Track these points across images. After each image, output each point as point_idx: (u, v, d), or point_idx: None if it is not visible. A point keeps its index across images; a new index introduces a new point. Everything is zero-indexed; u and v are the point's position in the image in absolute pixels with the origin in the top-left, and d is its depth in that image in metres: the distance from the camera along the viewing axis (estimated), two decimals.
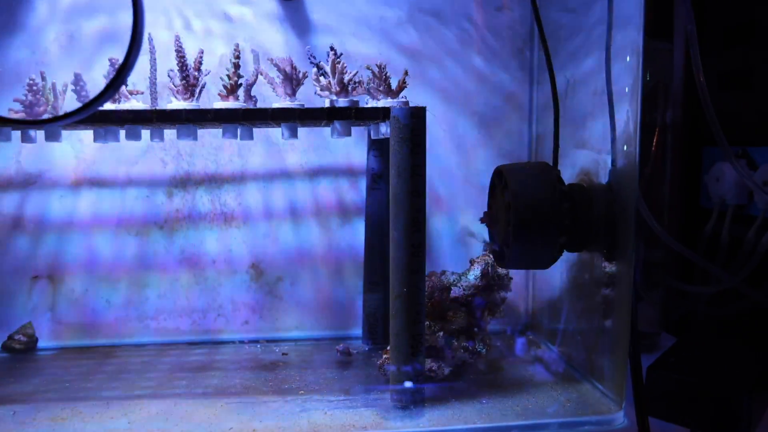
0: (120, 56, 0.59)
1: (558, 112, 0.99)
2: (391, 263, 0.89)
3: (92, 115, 0.81)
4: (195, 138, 0.93)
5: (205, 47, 0.94)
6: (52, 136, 0.84)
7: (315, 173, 1.17)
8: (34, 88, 0.88)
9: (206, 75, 0.92)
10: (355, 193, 1.18)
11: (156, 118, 0.84)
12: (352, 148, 1.17)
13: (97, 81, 0.96)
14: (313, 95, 0.95)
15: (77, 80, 0.91)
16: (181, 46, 0.89)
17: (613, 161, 0.95)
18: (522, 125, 1.20)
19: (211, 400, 0.89)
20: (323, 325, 1.19)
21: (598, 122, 0.99)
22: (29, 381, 0.97)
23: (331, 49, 1.02)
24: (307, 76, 0.95)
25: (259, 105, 0.94)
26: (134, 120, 0.84)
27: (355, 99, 0.87)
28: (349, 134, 0.89)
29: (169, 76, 0.92)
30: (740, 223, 1.17)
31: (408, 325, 0.88)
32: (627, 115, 0.89)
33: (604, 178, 0.95)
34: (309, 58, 1.00)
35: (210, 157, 1.15)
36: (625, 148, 0.90)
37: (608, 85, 0.95)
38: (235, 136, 0.91)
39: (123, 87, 0.88)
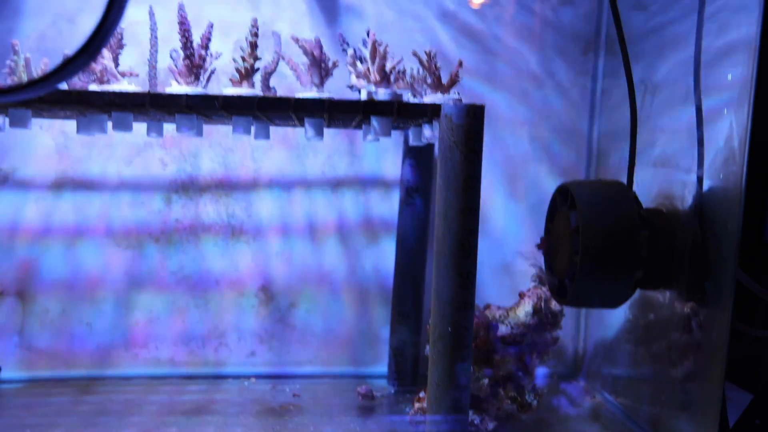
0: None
1: (635, 124, 0.82)
2: (434, 295, 0.71)
3: (69, 97, 0.66)
4: (199, 133, 0.77)
5: (216, 30, 0.78)
6: (18, 122, 0.67)
7: (339, 183, 1.00)
8: (11, 65, 0.72)
9: (216, 59, 0.76)
10: (386, 207, 1.01)
11: (150, 104, 0.67)
12: (384, 155, 1.00)
13: None
14: (343, 89, 0.79)
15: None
16: (185, 17, 0.73)
17: (700, 182, 0.78)
18: (581, 137, 1.03)
19: None
20: (342, 360, 1.02)
21: (683, 135, 0.82)
22: None
23: (368, 34, 0.86)
24: (337, 65, 0.79)
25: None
26: (122, 105, 0.67)
27: (398, 92, 0.70)
28: (389, 134, 0.72)
29: (171, 56, 0.76)
30: None
31: (451, 374, 0.70)
32: (731, 127, 0.72)
33: (688, 202, 0.78)
34: (341, 45, 0.84)
35: (218, 159, 0.99)
36: (725, 167, 0.73)
37: (696, 92, 0.78)
38: (248, 132, 0.75)
39: (113, 65, 0.72)
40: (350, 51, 0.72)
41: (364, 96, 0.70)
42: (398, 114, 0.70)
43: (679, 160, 0.82)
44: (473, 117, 0.68)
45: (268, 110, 0.68)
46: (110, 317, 0.98)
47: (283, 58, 0.78)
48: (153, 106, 0.67)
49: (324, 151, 0.99)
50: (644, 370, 0.89)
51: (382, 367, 1.01)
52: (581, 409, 0.93)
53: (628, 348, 0.95)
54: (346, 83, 0.79)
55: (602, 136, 1.03)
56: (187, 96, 0.67)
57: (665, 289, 0.81)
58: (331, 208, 1.01)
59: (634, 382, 0.92)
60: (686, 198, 0.79)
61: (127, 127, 0.73)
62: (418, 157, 0.94)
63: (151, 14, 0.76)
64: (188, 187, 0.99)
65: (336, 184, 1.01)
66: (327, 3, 0.99)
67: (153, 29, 0.76)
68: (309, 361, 1.01)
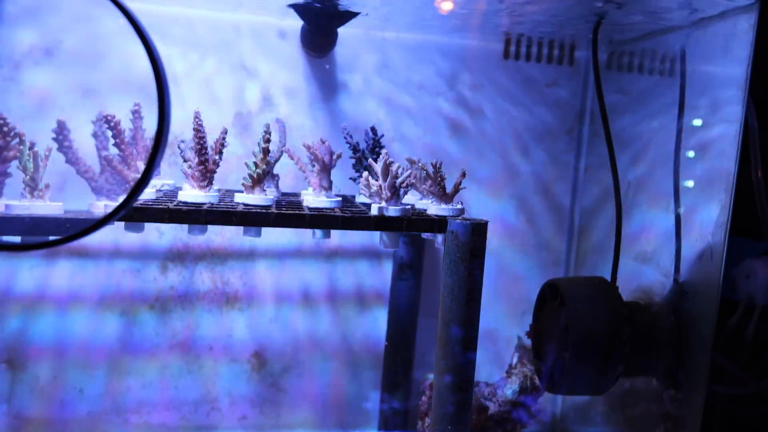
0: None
1: (620, 219, 0.89)
2: (434, 403, 0.76)
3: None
4: (205, 231, 0.78)
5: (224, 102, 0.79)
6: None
7: (332, 253, 1.04)
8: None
9: (226, 146, 0.77)
10: (377, 278, 1.05)
11: (169, 218, 0.69)
12: None
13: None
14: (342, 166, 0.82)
15: (61, 128, 0.74)
16: (200, 125, 0.74)
17: (676, 278, 0.86)
18: (564, 213, 1.10)
19: None
20: (333, 423, 1.06)
21: (660, 231, 0.90)
22: None
23: (372, 130, 0.89)
24: (341, 157, 0.82)
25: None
26: (141, 218, 0.68)
27: (406, 207, 0.74)
28: (398, 246, 0.76)
29: (179, 147, 0.77)
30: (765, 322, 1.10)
31: None
32: (710, 223, 0.80)
33: (665, 296, 0.86)
34: (345, 138, 0.87)
35: (214, 229, 1.00)
36: (702, 264, 0.81)
37: (676, 193, 0.85)
38: (259, 234, 0.77)
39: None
40: (365, 175, 0.75)
41: (374, 211, 0.73)
42: (407, 228, 0.74)
43: (658, 258, 0.90)
44: (478, 234, 0.73)
45: (284, 224, 0.71)
46: (102, 383, 0.98)
47: (288, 154, 0.80)
48: (172, 219, 0.68)
49: None
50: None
51: (372, 431, 1.06)
52: None
53: (604, 412, 1.03)
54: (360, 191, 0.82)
55: (583, 213, 1.10)
56: (206, 212, 0.69)
57: (644, 377, 0.89)
58: (324, 277, 1.04)
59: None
60: (663, 293, 0.87)
61: (140, 230, 0.74)
62: (411, 234, 0.98)
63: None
64: (184, 255, 1.00)
65: (330, 255, 1.04)
66: (326, 80, 1.01)
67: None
68: (300, 425, 1.05)
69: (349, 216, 0.72)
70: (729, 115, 0.79)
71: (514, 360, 0.98)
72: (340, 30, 0.96)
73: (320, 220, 0.71)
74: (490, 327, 1.09)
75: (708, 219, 0.81)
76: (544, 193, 1.08)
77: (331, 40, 0.95)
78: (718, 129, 0.82)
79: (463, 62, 1.04)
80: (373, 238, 1.04)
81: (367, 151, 0.87)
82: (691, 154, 0.87)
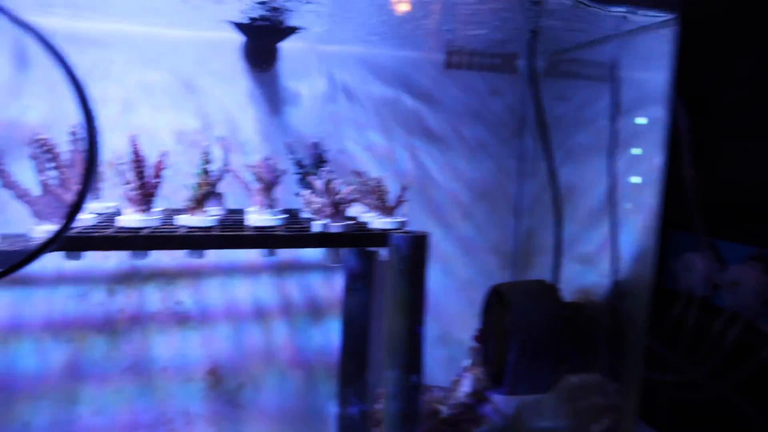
0: None
1: (561, 220, 0.92)
2: (384, 410, 0.78)
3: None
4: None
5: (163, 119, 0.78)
6: None
7: (284, 267, 1.04)
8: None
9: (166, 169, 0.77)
10: (329, 290, 1.06)
11: (107, 245, 0.68)
12: None
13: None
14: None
15: None
16: (137, 150, 0.73)
17: (614, 277, 0.89)
18: (509, 219, 1.13)
19: None
20: None
21: (599, 232, 0.93)
22: None
23: (315, 146, 0.90)
24: (285, 173, 0.82)
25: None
26: (80, 247, 0.68)
27: (349, 222, 0.75)
28: (341, 262, 0.77)
29: (118, 169, 0.76)
30: (705, 312, 1.16)
31: None
32: (643, 225, 0.84)
33: (603, 295, 0.89)
34: (289, 154, 0.88)
35: None
36: (636, 261, 0.85)
37: (611, 194, 0.89)
38: (201, 256, 0.77)
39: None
40: (307, 193, 0.76)
41: (317, 228, 0.74)
42: (349, 245, 0.75)
43: (597, 258, 0.93)
44: (418, 247, 0.75)
45: (228, 246, 0.71)
46: (50, 413, 0.96)
47: (231, 172, 0.80)
48: (110, 247, 0.68)
49: None
50: (567, 426, 1.00)
51: None
52: None
53: (555, 406, 1.06)
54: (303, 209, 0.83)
55: (530, 217, 1.13)
56: (147, 237, 0.68)
57: (586, 373, 0.92)
58: (276, 291, 1.04)
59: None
60: (602, 292, 0.91)
61: (80, 257, 0.73)
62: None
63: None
64: (131, 276, 0.98)
65: (281, 269, 1.04)
66: (271, 95, 1.01)
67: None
68: None
69: (289, 235, 0.72)
70: (658, 118, 0.82)
71: (466, 363, 1.00)
72: (284, 44, 0.97)
73: (261, 241, 0.72)
74: (443, 331, 1.11)
75: (643, 217, 0.85)
76: (491, 199, 1.11)
77: (273, 54, 0.95)
78: (649, 130, 0.86)
79: (406, 73, 1.06)
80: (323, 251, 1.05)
81: (311, 166, 0.87)
82: (629, 153, 0.90)
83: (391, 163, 1.06)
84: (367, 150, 1.06)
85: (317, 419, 1.07)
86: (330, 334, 1.05)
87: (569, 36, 0.95)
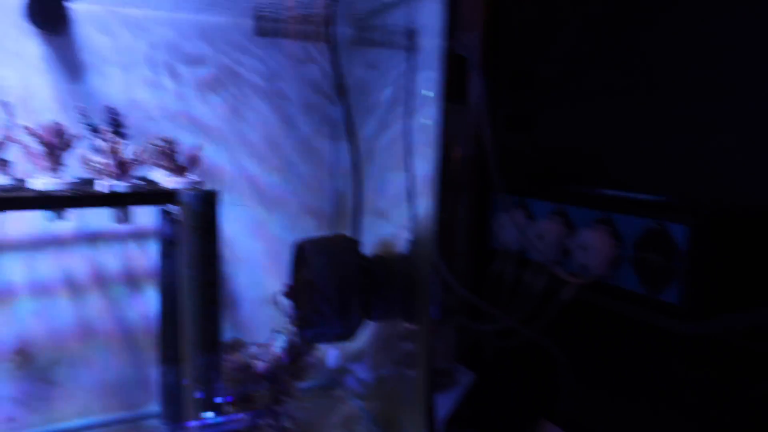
0: None
1: (359, 180, 0.99)
2: (185, 358, 0.81)
3: None
4: None
5: None
6: None
7: (94, 238, 1.02)
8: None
9: None
10: (146, 257, 1.05)
11: None
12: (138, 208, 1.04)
13: None
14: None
15: None
16: None
17: (409, 231, 0.98)
18: (325, 182, 1.19)
19: None
20: (114, 406, 1.05)
21: (396, 190, 1.02)
22: None
23: (109, 111, 0.89)
24: (76, 137, 0.81)
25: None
26: None
27: (138, 182, 0.76)
28: (130, 222, 0.78)
29: None
30: (523, 267, 1.30)
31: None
32: (426, 180, 0.92)
33: (402, 248, 0.98)
34: (82, 120, 0.86)
35: None
36: (421, 218, 0.94)
37: (407, 158, 0.97)
38: None
39: None
40: (88, 154, 0.75)
41: (102, 188, 0.75)
42: (139, 203, 0.76)
43: (396, 214, 1.02)
44: (209, 203, 0.78)
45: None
46: None
47: (13, 140, 0.78)
48: None
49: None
50: (384, 375, 1.09)
51: (157, 406, 1.07)
52: (334, 418, 1.11)
53: (372, 356, 1.15)
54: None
55: (344, 180, 1.19)
56: None
57: (387, 320, 1.01)
58: (88, 262, 1.02)
59: (377, 388, 1.12)
60: (400, 245, 0.99)
61: None
62: (169, 211, 1.00)
63: None
64: None
65: (92, 239, 1.02)
66: (68, 60, 0.98)
67: None
68: (78, 414, 1.03)
69: (76, 196, 0.72)
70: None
71: (283, 319, 1.05)
72: (81, 7, 0.93)
73: (42, 201, 0.71)
74: (266, 292, 1.16)
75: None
76: (306, 163, 1.16)
77: (61, 15, 0.92)
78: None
79: (215, 39, 1.07)
80: (141, 219, 1.04)
81: (106, 131, 0.86)
82: (423, 120, 0.98)
83: (204, 130, 1.07)
84: (173, 117, 1.05)
85: (139, 389, 1.07)
86: (149, 303, 1.06)
87: (371, 1, 1.01)
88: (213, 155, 1.06)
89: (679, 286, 0.84)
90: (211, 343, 0.79)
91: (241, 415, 0.95)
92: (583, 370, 1.31)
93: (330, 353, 1.21)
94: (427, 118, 0.88)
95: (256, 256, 1.15)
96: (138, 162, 0.76)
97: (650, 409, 1.21)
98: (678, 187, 1.10)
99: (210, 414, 0.86)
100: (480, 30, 1.54)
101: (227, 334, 1.03)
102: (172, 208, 0.84)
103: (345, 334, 0.94)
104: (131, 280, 1.05)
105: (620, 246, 0.95)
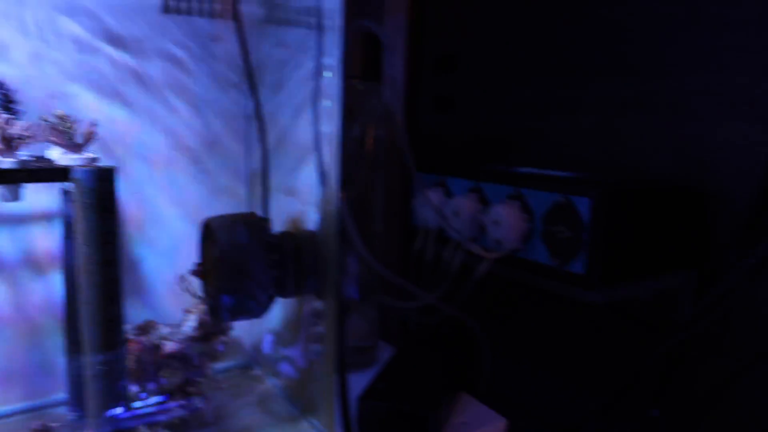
0: None
1: (267, 158, 0.99)
2: (85, 339, 0.79)
3: None
4: None
5: None
6: None
7: None
8: None
9: None
10: (49, 240, 1.02)
11: None
12: (41, 188, 1.00)
13: None
14: None
15: None
16: None
17: (316, 209, 0.99)
18: (239, 161, 1.18)
19: None
20: (19, 396, 1.02)
21: (306, 169, 1.03)
22: None
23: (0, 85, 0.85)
24: None
25: None
26: None
27: (26, 158, 0.74)
28: (19, 199, 0.75)
29: None
30: (443, 244, 1.34)
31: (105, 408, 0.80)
32: (329, 160, 0.93)
33: (310, 225, 0.99)
34: None
35: None
36: (326, 195, 0.95)
37: (316, 139, 0.98)
38: None
39: None
40: None
41: None
42: (28, 180, 0.74)
43: (305, 192, 1.03)
44: (104, 180, 0.76)
45: None
46: None
47: None
48: None
49: None
50: (298, 356, 1.10)
51: (64, 394, 1.04)
52: (249, 397, 1.11)
53: (288, 335, 1.15)
54: None
55: (256, 159, 1.19)
56: None
57: (299, 297, 1.02)
58: None
59: (292, 366, 1.13)
60: (309, 222, 1.00)
61: None
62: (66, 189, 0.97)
63: None
64: None
65: None
66: None
67: None
68: None
69: None
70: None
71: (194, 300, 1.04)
72: None
73: None
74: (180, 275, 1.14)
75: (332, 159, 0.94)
76: (219, 145, 1.15)
77: None
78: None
79: (119, 16, 1.04)
80: (38, 201, 1.01)
81: None
82: (327, 103, 0.99)
83: (108, 111, 1.04)
84: (77, 96, 1.02)
85: (45, 374, 1.04)
86: (54, 287, 1.02)
87: None
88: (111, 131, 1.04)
89: (585, 258, 0.88)
90: (112, 323, 0.78)
91: (154, 399, 0.94)
92: (502, 342, 1.37)
93: (265, 338, 1.21)
94: (329, 99, 0.89)
95: (173, 238, 1.13)
96: (27, 138, 0.74)
97: (562, 377, 1.28)
98: (587, 164, 1.16)
99: (116, 399, 0.85)
100: (406, 12, 1.57)
101: (142, 316, 1.01)
102: (70, 186, 0.81)
103: (256, 310, 0.95)
104: (34, 265, 1.02)
105: (530, 220, 0.98)
